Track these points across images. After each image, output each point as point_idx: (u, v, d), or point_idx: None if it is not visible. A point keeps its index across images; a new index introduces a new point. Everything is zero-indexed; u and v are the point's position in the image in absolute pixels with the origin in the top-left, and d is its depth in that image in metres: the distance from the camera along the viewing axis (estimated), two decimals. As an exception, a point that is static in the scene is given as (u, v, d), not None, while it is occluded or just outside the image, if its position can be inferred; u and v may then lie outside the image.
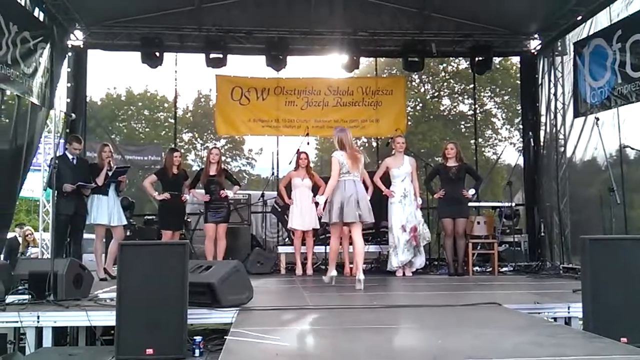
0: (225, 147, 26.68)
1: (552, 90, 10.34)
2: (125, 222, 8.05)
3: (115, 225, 7.77)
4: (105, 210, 7.67)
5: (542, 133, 10.78)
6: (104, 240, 7.99)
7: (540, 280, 7.79)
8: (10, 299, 5.16)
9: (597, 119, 7.69)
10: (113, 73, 29.01)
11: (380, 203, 8.49)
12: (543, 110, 10.70)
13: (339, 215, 6.43)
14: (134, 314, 4.09)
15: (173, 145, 11.14)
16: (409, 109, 21.45)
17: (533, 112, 11.02)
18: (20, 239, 11.95)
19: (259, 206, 10.46)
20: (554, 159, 10.29)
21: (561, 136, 10.16)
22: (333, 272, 6.82)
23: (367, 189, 8.18)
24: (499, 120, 25.79)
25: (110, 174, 7.63)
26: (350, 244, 8.26)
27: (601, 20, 8.70)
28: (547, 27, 10.29)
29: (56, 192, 7.21)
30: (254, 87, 11.19)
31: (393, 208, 8.11)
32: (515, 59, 16.98)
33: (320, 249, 8.98)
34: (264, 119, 11.27)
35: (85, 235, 8.12)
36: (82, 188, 7.50)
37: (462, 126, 25.05)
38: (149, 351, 4.00)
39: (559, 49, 10.23)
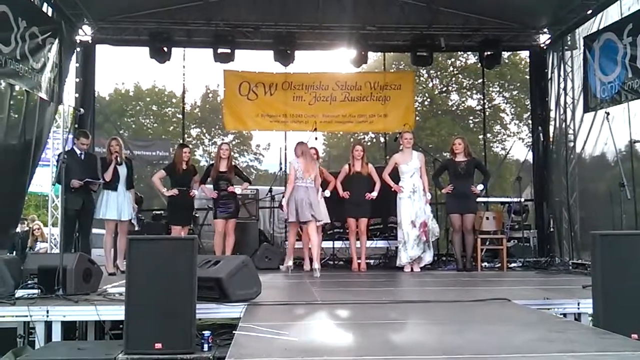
0: (233, 142, 26.67)
1: (562, 85, 10.25)
2: (131, 217, 8.08)
3: (123, 220, 7.82)
4: (114, 205, 7.70)
5: (551, 128, 10.70)
6: (114, 235, 8.01)
7: (550, 276, 7.75)
8: (19, 293, 5.18)
9: (608, 113, 7.64)
10: (121, 68, 28.99)
11: (388, 199, 8.49)
12: (552, 105, 10.61)
13: (295, 216, 7.60)
14: (143, 309, 4.10)
15: (181, 141, 11.15)
16: (417, 104, 21.37)
17: (542, 107, 10.95)
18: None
19: (267, 201, 10.44)
20: (563, 154, 10.21)
21: (571, 131, 10.08)
22: (289, 262, 7.93)
23: (374, 185, 8.22)
24: (507, 115, 25.68)
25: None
26: (358, 239, 8.32)
27: (612, 14, 8.61)
28: (556, 21, 10.20)
29: (64, 187, 7.24)
30: (262, 82, 11.18)
31: (402, 203, 8.09)
32: (525, 54, 16.83)
33: (328, 244, 8.99)
34: (271, 114, 11.26)
35: (94, 230, 8.15)
36: (89, 184, 7.52)
37: (471, 121, 24.96)
38: (158, 345, 4.01)
39: (569, 43, 10.14)
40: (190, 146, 11.66)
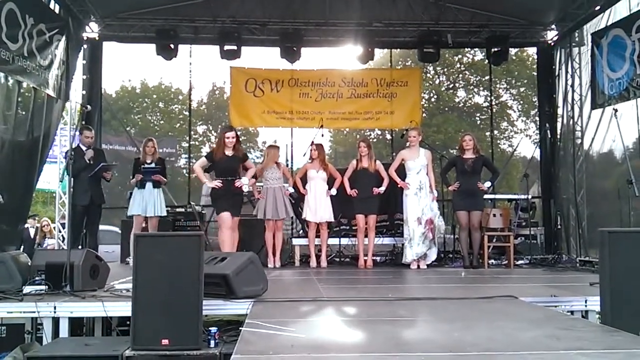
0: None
1: (569, 82, 10.21)
2: (164, 214, 8.16)
3: (150, 216, 7.95)
4: (140, 201, 7.88)
5: (558, 125, 10.67)
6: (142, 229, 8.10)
7: (557, 273, 7.72)
8: (27, 289, 5.21)
9: (616, 110, 7.59)
10: (128, 65, 29.12)
11: (395, 195, 8.47)
12: (560, 102, 10.58)
13: (271, 214, 8.23)
14: (150, 305, 4.10)
15: (188, 138, 11.16)
16: (423, 100, 21.32)
17: (550, 104, 10.92)
18: (32, 230, 12.03)
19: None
20: (571, 151, 10.18)
21: (578, 128, 10.05)
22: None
23: (381, 181, 8.20)
24: (514, 112, 25.64)
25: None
26: (366, 236, 8.30)
27: (620, 10, 8.56)
28: (564, 17, 10.16)
29: (72, 183, 7.27)
30: (268, 78, 11.19)
31: (408, 200, 8.06)
32: (532, 50, 16.83)
33: (334, 241, 8.98)
34: (278, 110, 11.29)
35: (101, 227, 8.18)
36: (105, 169, 7.71)
37: (478, 118, 24.93)
38: (165, 342, 4.01)
39: (577, 39, 10.09)
40: (196, 143, 11.52)
